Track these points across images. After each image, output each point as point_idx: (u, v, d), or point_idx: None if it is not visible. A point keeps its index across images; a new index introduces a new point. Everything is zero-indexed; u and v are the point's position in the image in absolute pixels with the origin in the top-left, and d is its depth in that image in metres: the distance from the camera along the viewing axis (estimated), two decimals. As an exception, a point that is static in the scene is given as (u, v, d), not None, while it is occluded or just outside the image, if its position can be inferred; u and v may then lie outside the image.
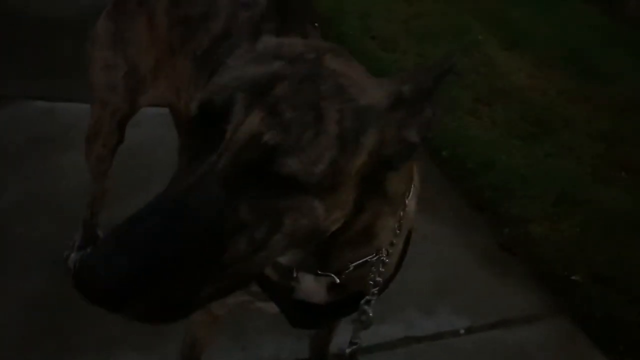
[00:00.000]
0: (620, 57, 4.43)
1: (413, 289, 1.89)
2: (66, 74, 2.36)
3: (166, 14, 1.16)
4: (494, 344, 1.79)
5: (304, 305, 0.91)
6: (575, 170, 2.77)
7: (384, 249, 0.83)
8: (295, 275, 0.85)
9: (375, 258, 0.83)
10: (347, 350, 1.00)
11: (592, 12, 5.29)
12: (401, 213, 0.83)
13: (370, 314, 0.90)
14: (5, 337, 1.41)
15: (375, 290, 0.88)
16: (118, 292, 0.55)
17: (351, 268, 0.82)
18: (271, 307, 0.95)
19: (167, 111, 1.57)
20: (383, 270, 0.86)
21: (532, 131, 3.03)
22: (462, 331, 1.79)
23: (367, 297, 0.88)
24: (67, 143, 2.02)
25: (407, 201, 0.84)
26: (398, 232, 0.84)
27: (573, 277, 2.08)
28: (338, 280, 0.83)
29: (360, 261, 0.82)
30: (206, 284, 0.60)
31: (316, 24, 3.67)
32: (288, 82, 0.59)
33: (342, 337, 1.52)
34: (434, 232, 2.19)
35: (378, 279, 0.86)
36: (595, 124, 3.30)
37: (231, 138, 0.57)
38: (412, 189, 0.86)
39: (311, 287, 0.88)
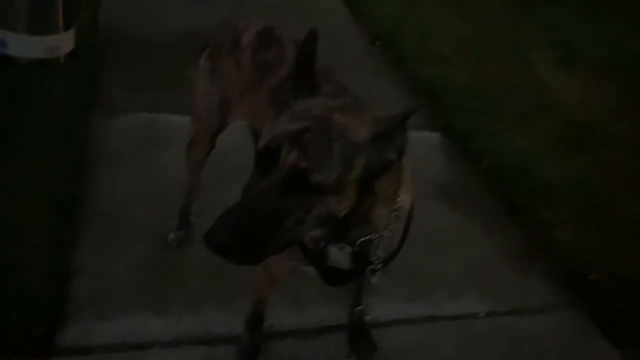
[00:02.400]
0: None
1: (443, 276, 2.23)
2: (166, 89, 2.88)
3: (249, 59, 1.60)
4: (509, 328, 2.09)
5: (333, 270, 1.31)
6: (609, 182, 2.98)
7: (382, 230, 1.21)
8: (322, 244, 1.25)
9: (376, 237, 1.21)
10: (355, 309, 1.36)
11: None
12: (395, 207, 1.20)
13: (374, 281, 1.27)
14: (119, 290, 1.87)
15: (379, 262, 1.25)
16: (224, 248, 0.99)
17: (359, 242, 1.21)
18: (312, 270, 1.36)
19: (242, 123, 1.99)
20: (385, 247, 1.23)
21: (572, 145, 3.26)
22: (481, 314, 2.11)
23: (372, 267, 1.26)
24: (166, 146, 2.50)
25: (398, 199, 1.20)
26: (394, 220, 1.21)
27: (590, 277, 2.34)
28: (351, 249, 1.22)
29: (366, 238, 1.21)
30: (272, 242, 1.03)
31: (377, 43, 4.08)
32: (312, 132, 1.01)
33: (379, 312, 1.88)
34: (467, 230, 2.52)
35: (381, 253, 1.24)
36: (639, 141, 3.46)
37: (282, 165, 1.00)
38: (402, 191, 1.22)
39: (337, 257, 1.28)
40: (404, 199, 1.24)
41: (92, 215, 2.14)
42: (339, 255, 1.27)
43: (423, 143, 3.11)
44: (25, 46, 2.78)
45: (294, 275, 1.52)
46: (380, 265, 1.26)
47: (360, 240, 1.21)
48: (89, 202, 2.19)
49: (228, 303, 1.87)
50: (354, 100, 1.34)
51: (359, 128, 1.04)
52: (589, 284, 2.31)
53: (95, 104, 2.73)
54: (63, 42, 2.88)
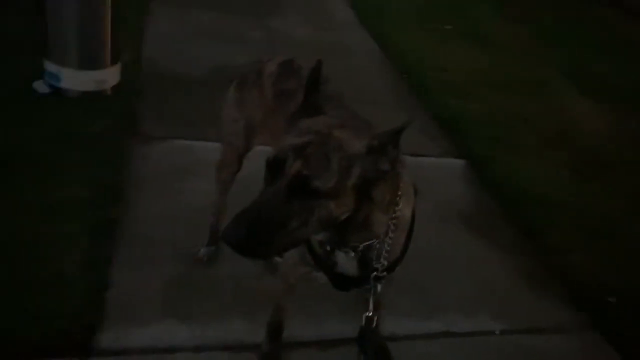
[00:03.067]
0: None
1: (459, 295, 2.30)
2: (200, 120, 3.09)
3: (271, 88, 1.78)
4: (524, 346, 2.13)
5: (341, 276, 1.44)
6: (626, 208, 3.01)
7: (382, 236, 1.32)
8: (328, 248, 1.37)
9: (377, 242, 1.32)
10: (364, 317, 1.43)
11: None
12: (393, 215, 1.32)
13: (379, 290, 1.37)
14: (150, 301, 2.00)
15: (383, 270, 1.35)
16: (239, 245, 1.14)
17: (361, 247, 1.32)
18: (322, 277, 1.48)
19: (266, 149, 2.15)
20: (387, 255, 1.34)
21: (591, 172, 3.31)
22: (496, 332, 2.17)
23: (376, 274, 1.36)
24: (198, 172, 2.69)
25: (397, 208, 1.32)
26: (394, 228, 1.32)
27: (609, 300, 2.37)
28: (353, 254, 1.34)
29: (367, 243, 1.32)
30: (280, 240, 1.17)
31: (405, 75, 4.28)
32: (313, 145, 1.16)
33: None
34: (484, 252, 2.59)
35: (384, 261, 1.35)
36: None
37: (287, 172, 1.15)
38: (402, 202, 1.33)
39: (345, 264, 1.39)
40: (403, 209, 1.35)
41: (127, 235, 2.31)
42: (346, 261, 1.39)
43: (446, 169, 3.23)
44: (76, 80, 3.06)
45: (308, 283, 1.64)
46: (383, 272, 1.36)
47: (363, 244, 1.32)
48: (125, 223, 2.37)
49: (251, 313, 1.99)
50: (358, 121, 1.48)
51: (355, 141, 1.19)
52: (605, 306, 2.34)
53: (135, 133, 2.96)
54: (110, 76, 3.16)
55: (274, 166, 1.17)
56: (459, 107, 3.83)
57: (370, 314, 1.40)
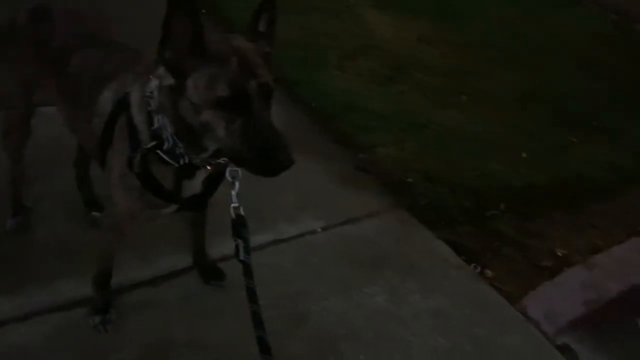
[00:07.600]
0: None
1: (281, 207, 2.49)
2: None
3: (31, 39, 1.66)
4: (343, 236, 2.41)
5: (189, 198, 1.52)
6: (421, 101, 3.42)
7: None
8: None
9: None
10: (232, 208, 1.44)
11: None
12: None
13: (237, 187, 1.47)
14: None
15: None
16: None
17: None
18: (170, 208, 1.55)
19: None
20: None
21: (389, 76, 3.66)
22: (318, 230, 2.41)
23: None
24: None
25: None
26: None
27: (408, 180, 2.73)
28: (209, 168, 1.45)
29: None
30: None
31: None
32: (248, 52, 1.32)
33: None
34: (300, 164, 2.74)
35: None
36: (446, 62, 3.96)
37: (262, 82, 1.31)
38: None
39: (191, 185, 1.49)
40: None
41: None
42: (197, 181, 1.50)
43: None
44: None
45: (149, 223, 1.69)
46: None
47: None
48: None
49: (79, 270, 1.94)
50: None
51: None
52: (407, 186, 2.70)
53: None
54: None
55: (234, 97, 1.24)
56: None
57: (237, 204, 1.46)
